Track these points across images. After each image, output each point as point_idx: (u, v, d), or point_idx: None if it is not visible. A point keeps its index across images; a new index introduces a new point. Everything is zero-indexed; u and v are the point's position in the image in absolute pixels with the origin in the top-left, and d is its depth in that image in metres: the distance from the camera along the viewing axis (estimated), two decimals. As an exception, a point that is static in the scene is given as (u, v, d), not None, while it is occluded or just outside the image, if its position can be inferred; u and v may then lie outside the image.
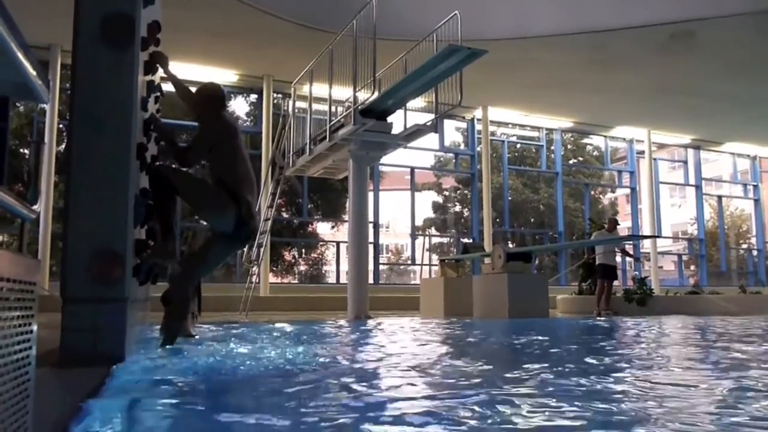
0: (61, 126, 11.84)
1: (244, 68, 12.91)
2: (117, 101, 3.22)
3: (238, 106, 16.53)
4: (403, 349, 4.48)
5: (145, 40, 3.64)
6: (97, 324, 3.12)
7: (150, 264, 3.86)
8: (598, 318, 9.72)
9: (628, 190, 19.16)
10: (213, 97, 4.35)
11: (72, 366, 2.92)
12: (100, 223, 3.17)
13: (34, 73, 1.40)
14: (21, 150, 14.53)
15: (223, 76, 12.86)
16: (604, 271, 10.92)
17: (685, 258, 19.63)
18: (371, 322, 7.77)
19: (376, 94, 8.67)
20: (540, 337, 5.36)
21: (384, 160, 15.20)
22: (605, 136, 18.24)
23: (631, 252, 13.69)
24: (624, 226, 19.07)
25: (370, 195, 14.43)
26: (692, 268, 19.43)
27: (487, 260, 10.72)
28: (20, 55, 1.21)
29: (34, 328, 1.15)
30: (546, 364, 3.27)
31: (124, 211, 3.23)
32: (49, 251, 11.17)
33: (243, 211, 3.99)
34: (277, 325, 6.94)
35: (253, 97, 14.93)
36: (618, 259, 12.01)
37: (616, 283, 11.62)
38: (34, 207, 1.55)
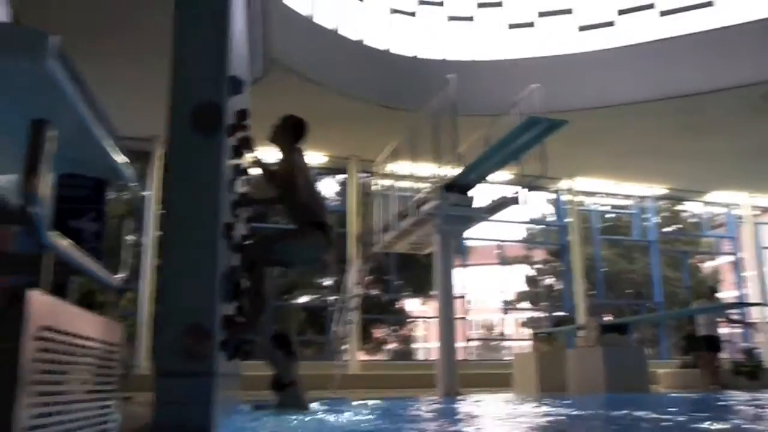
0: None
1: (331, 150, 13.39)
2: (205, 184, 3.43)
3: (327, 187, 17.04)
4: None
5: (233, 126, 3.88)
6: (186, 397, 3.22)
7: (239, 339, 3.99)
8: (705, 392, 9.12)
9: (730, 257, 18.18)
10: (298, 125, 4.61)
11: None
12: (189, 300, 3.32)
13: (121, 156, 1.55)
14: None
15: (313, 158, 13.38)
16: (707, 343, 10.30)
17: (801, 328, 18.21)
18: (463, 402, 7.58)
19: (459, 169, 8.77)
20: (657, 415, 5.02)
21: (472, 234, 15.27)
22: (701, 202, 17.55)
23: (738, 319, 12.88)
24: (729, 296, 18.00)
25: (458, 270, 14.39)
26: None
27: (581, 333, 10.35)
28: (107, 140, 1.35)
29: (117, 386, 1.23)
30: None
31: (212, 288, 3.38)
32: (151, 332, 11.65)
33: (329, 235, 4.33)
34: (367, 401, 6.90)
35: (341, 177, 15.37)
36: (724, 330, 11.32)
37: (724, 355, 10.91)
38: (118, 276, 1.68)
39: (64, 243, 1.15)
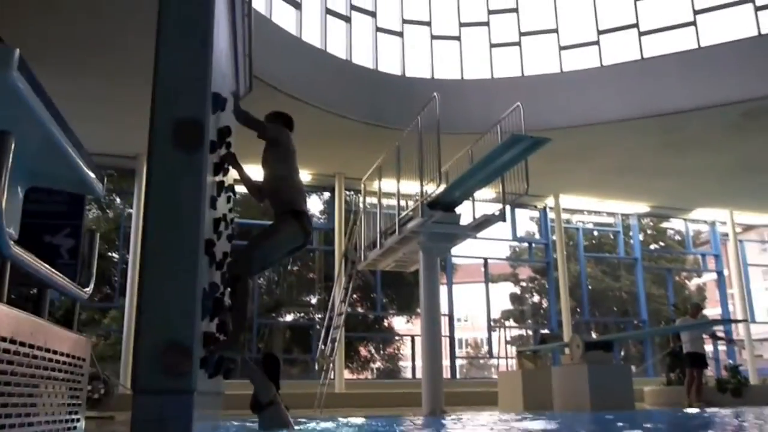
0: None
1: (317, 167, 13.40)
2: (186, 200, 3.42)
3: (313, 205, 17.03)
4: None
5: (214, 143, 3.88)
6: (164, 415, 3.20)
7: (219, 356, 3.97)
8: (689, 409, 9.13)
9: (716, 275, 18.31)
10: (282, 114, 4.85)
11: (140, 458, 2.98)
12: (168, 317, 3.30)
13: (88, 169, 1.55)
14: (110, 254, 15.30)
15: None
16: (692, 360, 10.34)
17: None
18: (448, 419, 7.55)
19: (443, 186, 8.80)
20: None
21: (457, 251, 15.28)
22: (685, 219, 17.70)
23: (723, 336, 12.95)
24: (713, 313, 18.11)
25: (444, 288, 14.40)
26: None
27: (567, 351, 10.36)
28: (74, 153, 1.35)
29: (82, 400, 1.22)
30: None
31: (192, 305, 3.36)
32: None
33: (305, 224, 4.34)
34: (348, 419, 6.86)
35: (326, 195, 15.38)
36: (709, 347, 11.37)
37: (708, 372, 10.95)
38: (86, 290, 1.67)
39: (26, 256, 1.15)
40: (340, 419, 7.03)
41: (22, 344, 0.99)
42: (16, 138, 1.24)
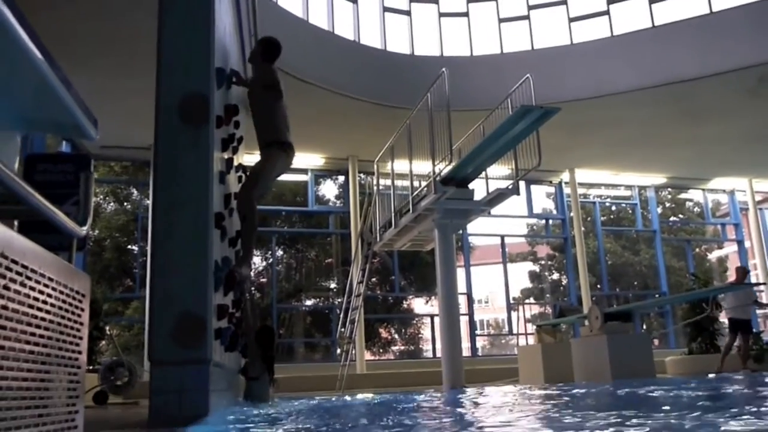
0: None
1: (329, 151, 13.42)
2: (194, 174, 3.46)
3: (327, 189, 17.07)
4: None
5: (220, 118, 3.92)
6: (182, 385, 3.25)
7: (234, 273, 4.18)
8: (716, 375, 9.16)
9: (736, 245, 18.08)
10: (271, 44, 5.15)
11: (160, 426, 3.04)
12: (182, 290, 3.35)
13: (81, 112, 1.57)
14: (129, 247, 15.47)
15: (311, 160, 13.44)
16: (738, 326, 10.38)
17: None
18: (469, 391, 7.57)
19: (454, 162, 8.77)
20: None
21: (474, 230, 15.25)
22: (703, 190, 17.50)
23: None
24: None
25: (462, 269, 14.41)
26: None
27: (586, 323, 10.33)
28: (66, 96, 1.37)
29: (84, 333, 1.24)
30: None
31: (205, 277, 3.41)
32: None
33: (290, 153, 4.90)
34: (365, 395, 6.91)
35: (341, 179, 15.40)
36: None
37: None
38: (84, 228, 1.70)
39: (24, 183, 1.16)
40: (357, 396, 7.09)
41: (15, 262, 1.01)
42: (12, 82, 1.26)
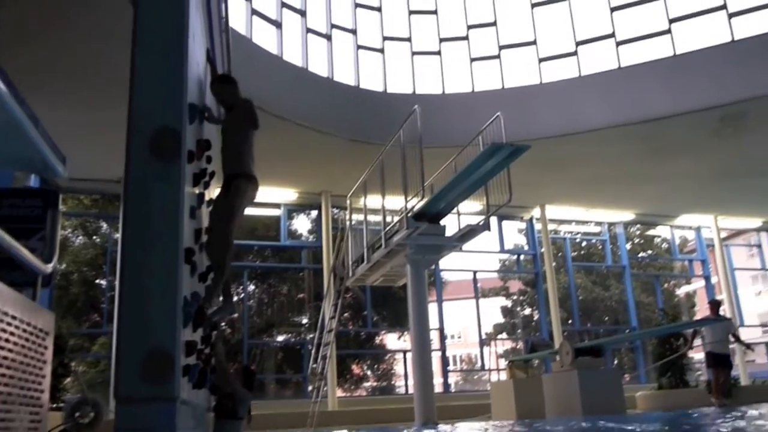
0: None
1: (302, 186, 13.45)
2: (165, 209, 3.44)
3: (300, 224, 17.05)
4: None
5: (192, 153, 3.91)
6: (149, 424, 3.18)
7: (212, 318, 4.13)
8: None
9: (704, 281, 18.35)
10: (228, 78, 5.04)
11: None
12: (151, 325, 3.30)
13: (48, 148, 1.57)
14: (97, 281, 15.21)
15: (284, 194, 13.44)
16: (717, 360, 10.55)
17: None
18: (441, 427, 7.53)
19: (426, 198, 8.84)
20: None
21: (446, 265, 15.30)
22: (671, 226, 17.81)
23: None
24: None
25: (435, 305, 14.41)
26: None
27: (557, 358, 10.37)
28: (35, 134, 1.37)
29: (47, 371, 1.23)
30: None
31: (174, 312, 3.36)
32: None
33: (256, 185, 4.71)
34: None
35: (314, 213, 15.39)
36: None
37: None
38: (49, 264, 1.68)
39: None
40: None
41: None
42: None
